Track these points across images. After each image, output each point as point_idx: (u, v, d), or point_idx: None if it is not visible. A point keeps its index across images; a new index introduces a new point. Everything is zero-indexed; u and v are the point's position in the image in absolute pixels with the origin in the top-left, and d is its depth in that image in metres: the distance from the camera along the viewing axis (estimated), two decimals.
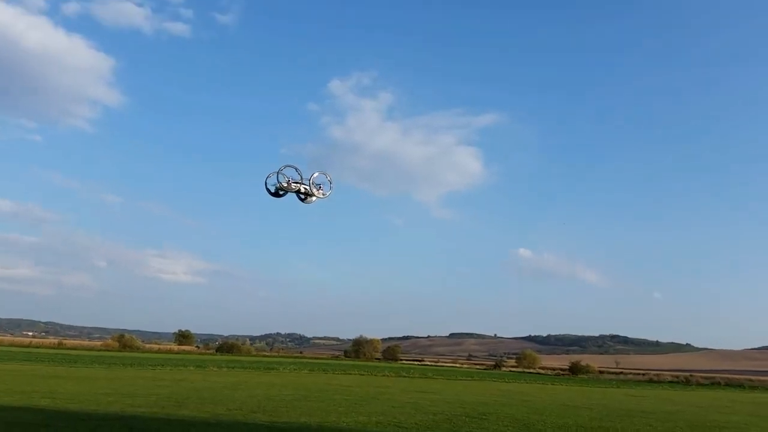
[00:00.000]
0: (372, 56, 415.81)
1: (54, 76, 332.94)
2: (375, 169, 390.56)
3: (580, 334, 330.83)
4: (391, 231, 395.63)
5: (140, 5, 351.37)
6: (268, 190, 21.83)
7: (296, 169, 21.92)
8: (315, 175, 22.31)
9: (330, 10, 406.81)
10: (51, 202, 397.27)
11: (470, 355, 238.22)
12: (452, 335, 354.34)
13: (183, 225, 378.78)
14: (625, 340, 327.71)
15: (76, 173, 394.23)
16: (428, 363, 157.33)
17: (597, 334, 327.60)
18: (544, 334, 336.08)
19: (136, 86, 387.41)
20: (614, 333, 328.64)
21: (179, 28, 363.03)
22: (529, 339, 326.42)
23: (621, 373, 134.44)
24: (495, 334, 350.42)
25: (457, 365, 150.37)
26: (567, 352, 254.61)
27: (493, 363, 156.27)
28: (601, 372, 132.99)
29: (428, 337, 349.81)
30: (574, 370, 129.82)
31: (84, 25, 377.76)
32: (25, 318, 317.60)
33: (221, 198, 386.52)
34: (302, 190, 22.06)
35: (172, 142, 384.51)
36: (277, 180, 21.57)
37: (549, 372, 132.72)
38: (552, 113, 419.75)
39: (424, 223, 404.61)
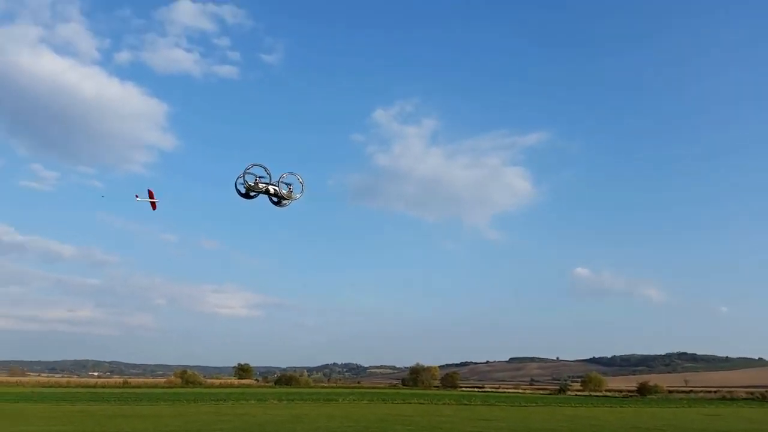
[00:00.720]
0: (413, 84, 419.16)
1: (110, 123, 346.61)
2: (423, 195, 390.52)
3: (645, 353, 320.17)
4: (443, 255, 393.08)
5: (189, 51, 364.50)
6: (238, 190, 21.79)
7: (265, 168, 21.84)
8: (284, 175, 22.19)
9: (369, 43, 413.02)
10: (111, 244, 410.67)
11: (532, 380, 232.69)
12: (512, 360, 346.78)
13: (237, 260, 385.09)
14: (693, 357, 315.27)
15: (134, 216, 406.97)
16: (489, 389, 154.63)
17: (663, 353, 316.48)
18: (609, 355, 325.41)
19: (188, 129, 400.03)
20: (681, 350, 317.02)
21: (227, 70, 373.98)
22: (593, 361, 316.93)
23: (691, 391, 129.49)
24: (557, 357, 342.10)
25: (520, 391, 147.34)
26: (633, 373, 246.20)
27: (557, 387, 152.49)
28: (670, 391, 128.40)
29: (487, 362, 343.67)
30: (642, 390, 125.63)
31: (137, 73, 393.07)
32: (90, 359, 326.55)
33: (272, 232, 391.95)
34: (271, 190, 21.94)
35: (222, 180, 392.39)
36: (245, 180, 21.55)
37: (616, 394, 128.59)
38: (598, 127, 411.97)
39: (476, 246, 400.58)
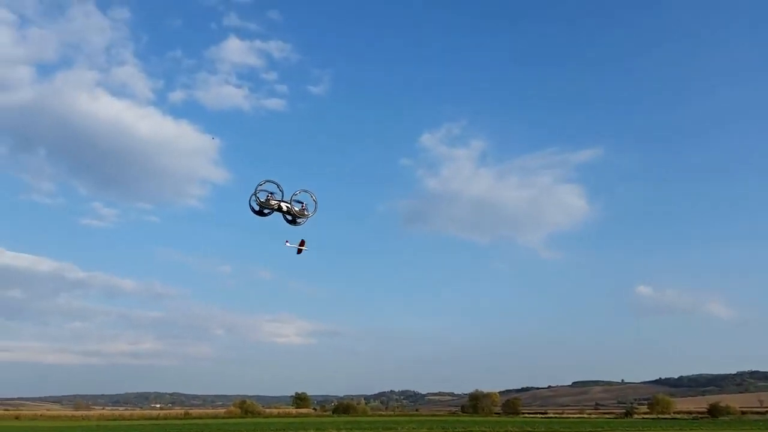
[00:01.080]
0: (460, 106, 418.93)
1: (166, 160, 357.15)
2: (474, 216, 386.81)
3: (715, 372, 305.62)
4: (497, 277, 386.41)
5: (239, 86, 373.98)
6: (252, 208, 21.46)
7: (277, 185, 21.53)
8: (297, 193, 21.79)
9: (413, 69, 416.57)
10: (170, 277, 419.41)
11: (597, 404, 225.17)
12: (575, 383, 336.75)
13: (290, 288, 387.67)
14: (766, 376, 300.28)
15: (191, 248, 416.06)
16: (552, 415, 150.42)
17: (734, 372, 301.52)
18: (676, 376, 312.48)
19: (239, 161, 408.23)
20: (754, 369, 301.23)
21: (275, 103, 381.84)
22: (660, 382, 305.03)
23: (767, 411, 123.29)
24: (622, 380, 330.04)
25: (585, 415, 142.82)
26: (703, 394, 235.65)
27: (624, 411, 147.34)
28: (743, 412, 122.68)
29: (549, 387, 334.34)
30: (714, 412, 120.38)
31: (190, 111, 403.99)
32: (152, 390, 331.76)
33: (324, 260, 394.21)
34: (284, 207, 21.53)
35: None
36: (257, 197, 21.19)
37: (686, 416, 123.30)
38: (652, 139, 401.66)
39: (532, 267, 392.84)
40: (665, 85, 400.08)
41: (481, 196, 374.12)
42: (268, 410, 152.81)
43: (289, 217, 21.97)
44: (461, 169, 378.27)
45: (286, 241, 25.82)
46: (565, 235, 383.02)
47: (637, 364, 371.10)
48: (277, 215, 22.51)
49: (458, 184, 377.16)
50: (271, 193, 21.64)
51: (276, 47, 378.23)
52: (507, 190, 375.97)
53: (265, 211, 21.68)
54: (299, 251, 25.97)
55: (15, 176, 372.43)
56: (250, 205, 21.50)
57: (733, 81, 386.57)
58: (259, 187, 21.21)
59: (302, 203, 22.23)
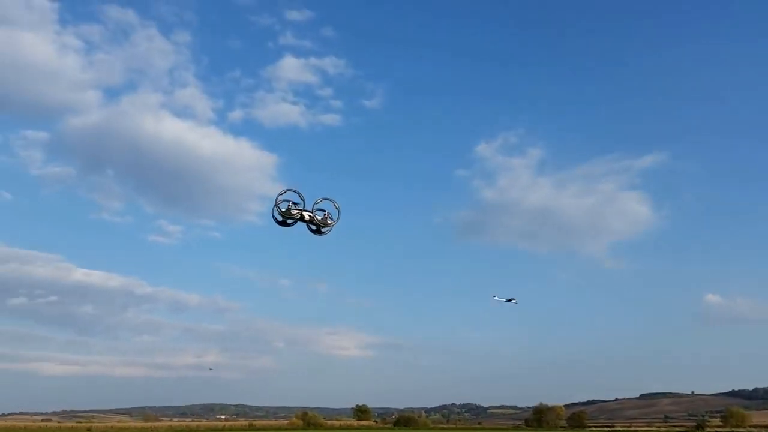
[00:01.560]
0: (516, 115, 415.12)
1: (227, 177, 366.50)
2: (533, 226, 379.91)
3: None
4: (559, 288, 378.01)
5: (295, 104, 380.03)
6: (275, 218, 21.12)
7: (299, 194, 21.15)
8: (319, 201, 21.46)
9: (466, 80, 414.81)
10: (232, 291, 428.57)
11: (666, 417, 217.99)
12: (643, 396, 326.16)
13: (349, 301, 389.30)
14: None
15: (251, 263, 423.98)
16: (620, 428, 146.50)
17: None
18: (750, 388, 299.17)
19: (296, 176, 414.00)
20: None
21: (330, 119, 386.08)
22: (733, 394, 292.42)
23: None
24: (692, 392, 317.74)
25: (653, 429, 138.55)
26: None
27: (694, 424, 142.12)
28: None
29: (616, 399, 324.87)
30: None
31: (248, 129, 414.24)
32: (217, 402, 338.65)
33: (380, 272, 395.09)
34: (306, 217, 21.18)
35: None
36: (278, 207, 20.84)
37: (762, 430, 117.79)
38: (718, 143, 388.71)
39: (594, 277, 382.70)
40: (732, 87, 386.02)
41: (540, 205, 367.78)
42: (329, 422, 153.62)
43: (313, 227, 21.82)
44: (519, 179, 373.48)
45: (494, 295, 25.43)
46: (629, 244, 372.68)
47: (708, 376, 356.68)
48: (301, 225, 22.28)
49: (516, 194, 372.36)
50: (294, 203, 21.47)
51: (330, 63, 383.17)
52: (567, 199, 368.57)
53: (288, 221, 21.57)
54: (511, 300, 25.67)
55: (85, 196, 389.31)
56: (273, 216, 21.40)
57: None
58: (280, 197, 21.08)
59: (325, 212, 22.02)
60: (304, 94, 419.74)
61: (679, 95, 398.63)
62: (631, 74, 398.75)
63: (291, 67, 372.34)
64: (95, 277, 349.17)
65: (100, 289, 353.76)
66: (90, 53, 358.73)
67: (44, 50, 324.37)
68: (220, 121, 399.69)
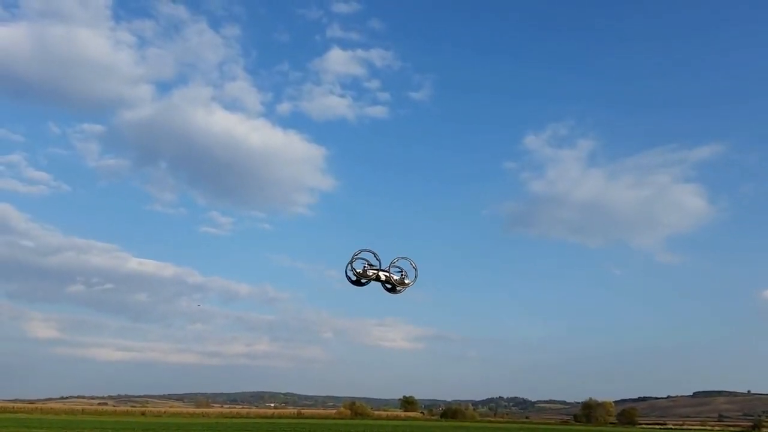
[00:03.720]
0: (566, 105, 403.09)
1: (276, 170, 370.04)
2: (584, 219, 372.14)
3: None
4: (611, 282, 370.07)
5: (342, 96, 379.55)
6: (348, 278, 20.87)
7: (374, 254, 20.86)
8: (395, 261, 21.15)
9: (513, 70, 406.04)
10: (282, 282, 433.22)
11: (721, 416, 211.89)
12: (696, 394, 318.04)
13: (397, 294, 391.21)
14: None
15: (300, 254, 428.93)
16: (672, 426, 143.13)
17: None
18: None
19: (344, 169, 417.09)
20: None
21: (378, 111, 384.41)
22: None
23: None
24: (749, 390, 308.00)
25: (707, 428, 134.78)
26: None
27: (751, 423, 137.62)
28: None
29: (668, 397, 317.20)
30: None
31: (297, 121, 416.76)
32: (266, 390, 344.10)
33: (429, 264, 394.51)
34: (382, 277, 20.90)
35: (378, 215, 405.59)
36: (353, 267, 20.65)
37: None
38: None
39: (648, 271, 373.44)
40: None
41: (591, 197, 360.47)
42: (376, 412, 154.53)
43: (389, 286, 21.67)
44: (569, 170, 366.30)
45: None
46: (685, 238, 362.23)
47: (765, 374, 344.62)
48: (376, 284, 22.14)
49: (566, 186, 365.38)
50: (369, 264, 21.38)
51: (378, 55, 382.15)
52: (619, 191, 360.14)
53: (363, 281, 21.45)
54: None
55: (140, 188, 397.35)
56: (346, 274, 21.32)
57: None
58: (355, 257, 21.00)
59: (402, 270, 21.84)
60: (351, 86, 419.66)
61: (737, 84, 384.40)
62: (686, 60, 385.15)
63: (338, 60, 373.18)
64: (149, 266, 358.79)
65: (153, 277, 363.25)
66: (143, 48, 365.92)
67: (99, 46, 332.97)
68: (269, 113, 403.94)
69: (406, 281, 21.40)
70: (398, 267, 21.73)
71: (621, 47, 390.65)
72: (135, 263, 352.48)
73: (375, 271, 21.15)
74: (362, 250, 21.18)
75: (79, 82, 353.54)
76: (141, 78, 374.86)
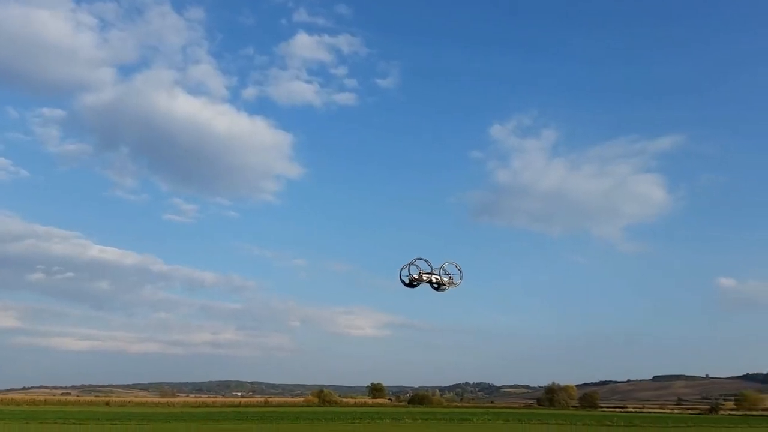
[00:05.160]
0: (530, 96, 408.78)
1: (242, 156, 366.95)
2: (547, 208, 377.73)
3: None
4: (573, 271, 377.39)
5: (309, 82, 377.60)
6: (402, 281, 22.58)
7: (426, 261, 22.85)
8: (445, 264, 23.02)
9: (481, 60, 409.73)
10: (248, 271, 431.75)
11: (679, 400, 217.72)
12: (656, 378, 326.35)
13: (364, 281, 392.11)
14: None
15: (267, 243, 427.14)
16: (632, 410, 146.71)
17: None
18: (765, 371, 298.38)
19: (312, 156, 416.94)
20: None
21: (345, 98, 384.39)
22: (747, 378, 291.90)
23: None
24: (706, 375, 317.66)
25: (666, 411, 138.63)
26: None
27: (708, 407, 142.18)
28: None
29: (628, 381, 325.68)
30: None
31: (263, 107, 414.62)
32: (233, 379, 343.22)
33: (396, 251, 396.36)
34: (433, 280, 22.72)
35: (346, 203, 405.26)
36: (409, 272, 22.39)
37: None
38: (735, 126, 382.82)
39: (609, 260, 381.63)
40: (750, 71, 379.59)
41: (553, 187, 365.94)
42: (344, 399, 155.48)
43: (436, 285, 23.47)
44: (533, 161, 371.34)
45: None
46: (644, 227, 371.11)
47: (722, 359, 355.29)
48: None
49: (530, 176, 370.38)
50: (422, 271, 23.18)
51: (345, 41, 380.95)
52: (581, 181, 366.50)
53: (414, 283, 23.24)
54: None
55: (101, 174, 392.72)
56: (400, 278, 23.13)
57: None
58: (412, 264, 22.80)
59: (449, 274, 23.70)
60: (318, 72, 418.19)
61: (697, 77, 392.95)
62: (646, 54, 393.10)
63: (304, 45, 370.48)
64: (111, 254, 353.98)
65: (116, 265, 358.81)
66: (104, 30, 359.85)
67: (59, 28, 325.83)
68: (234, 98, 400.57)
69: (456, 281, 23.35)
70: (447, 271, 23.60)
71: (581, 40, 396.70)
72: (96, 251, 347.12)
73: (428, 275, 22.92)
74: (417, 258, 23.08)
75: (38, 65, 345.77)
76: (102, 61, 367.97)
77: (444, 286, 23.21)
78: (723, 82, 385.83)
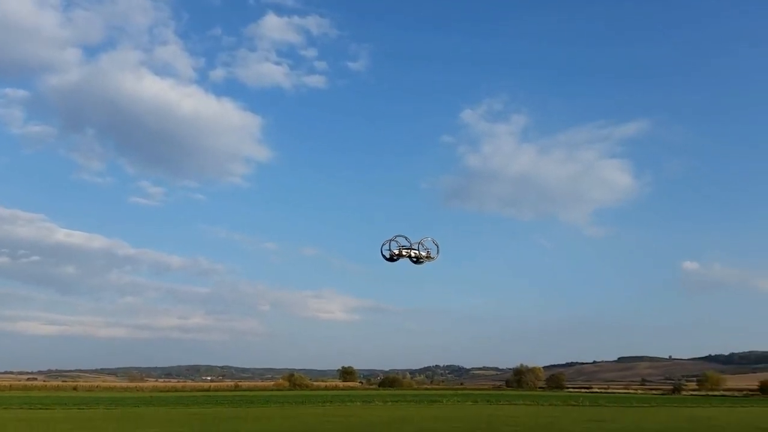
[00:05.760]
0: (500, 80, 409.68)
1: (210, 138, 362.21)
2: (516, 193, 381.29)
3: (767, 349, 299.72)
4: (541, 254, 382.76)
5: (278, 64, 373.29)
6: (383, 255, 23.45)
7: (406, 238, 23.78)
8: (424, 240, 24.03)
9: (452, 43, 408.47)
10: (217, 254, 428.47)
11: (643, 380, 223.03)
12: (621, 359, 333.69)
13: (335, 265, 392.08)
14: None
15: (236, 226, 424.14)
16: (597, 390, 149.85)
17: None
18: (726, 353, 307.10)
19: (281, 139, 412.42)
20: None
21: (315, 80, 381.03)
22: (709, 359, 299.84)
23: None
24: (670, 356, 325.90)
25: (631, 391, 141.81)
26: (754, 371, 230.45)
27: (671, 387, 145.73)
28: None
29: (594, 362, 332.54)
30: (766, 389, 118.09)
31: (231, 89, 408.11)
32: (202, 364, 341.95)
33: (367, 236, 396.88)
34: (413, 255, 23.61)
35: (316, 187, 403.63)
36: (390, 248, 23.23)
37: (736, 394, 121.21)
38: (701, 112, 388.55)
39: (576, 244, 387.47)
40: (718, 57, 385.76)
41: (523, 172, 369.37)
42: (315, 383, 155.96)
43: (415, 259, 24.55)
44: (503, 145, 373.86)
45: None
46: (610, 211, 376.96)
47: (685, 341, 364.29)
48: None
49: (500, 161, 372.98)
50: (402, 246, 24.18)
51: (314, 23, 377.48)
52: (549, 166, 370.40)
53: (395, 258, 24.26)
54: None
55: (66, 156, 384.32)
56: (381, 252, 24.21)
57: None
58: (392, 240, 23.84)
59: (428, 249, 24.83)
60: (287, 54, 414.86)
61: (665, 63, 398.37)
62: (615, 39, 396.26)
63: (273, 26, 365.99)
64: (77, 237, 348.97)
65: (82, 249, 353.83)
66: (69, 10, 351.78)
67: (22, 6, 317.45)
68: (202, 80, 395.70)
69: (432, 256, 24.51)
70: (426, 246, 24.68)
71: (551, 24, 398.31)
72: (62, 234, 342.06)
73: (408, 251, 23.91)
74: (398, 236, 24.02)
75: (0, 45, 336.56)
76: (67, 41, 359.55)
77: (422, 260, 24.19)
78: (690, 68, 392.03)
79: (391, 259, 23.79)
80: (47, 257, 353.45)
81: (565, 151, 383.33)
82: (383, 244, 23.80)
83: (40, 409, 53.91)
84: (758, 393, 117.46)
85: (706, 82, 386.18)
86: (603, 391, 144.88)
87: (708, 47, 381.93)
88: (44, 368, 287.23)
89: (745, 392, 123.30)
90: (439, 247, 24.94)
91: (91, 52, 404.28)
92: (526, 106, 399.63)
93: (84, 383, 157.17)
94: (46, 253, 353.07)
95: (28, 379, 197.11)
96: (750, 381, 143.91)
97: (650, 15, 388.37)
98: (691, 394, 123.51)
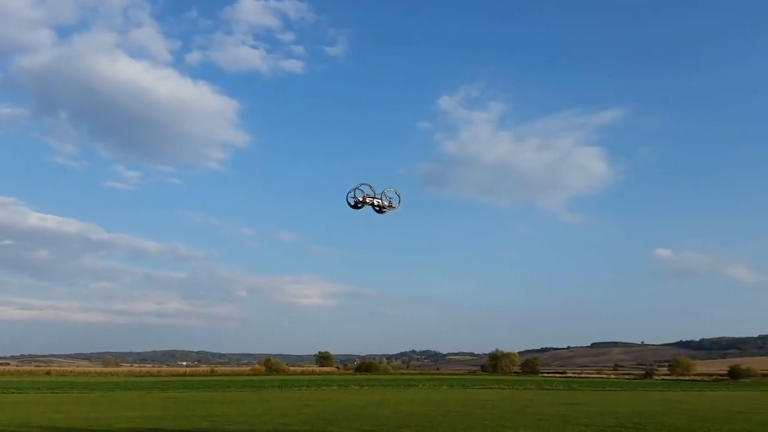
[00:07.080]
0: (477, 68, 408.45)
1: (186, 122, 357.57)
2: (493, 180, 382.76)
3: (736, 335, 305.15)
4: (518, 241, 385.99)
5: (255, 47, 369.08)
6: (348, 202, 24.42)
7: (370, 186, 24.61)
8: (386, 191, 24.91)
9: (430, 29, 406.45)
10: (193, 239, 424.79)
11: (616, 365, 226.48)
12: (595, 345, 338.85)
13: (312, 251, 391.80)
14: None
15: (213, 211, 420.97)
16: (571, 375, 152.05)
17: (756, 335, 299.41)
18: (697, 339, 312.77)
19: (259, 123, 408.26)
20: None
21: (293, 65, 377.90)
22: (681, 345, 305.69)
23: None
24: (642, 342, 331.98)
25: (604, 376, 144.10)
26: (724, 356, 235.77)
27: (643, 372, 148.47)
28: (765, 375, 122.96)
29: (568, 348, 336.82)
30: (735, 374, 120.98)
31: (207, 72, 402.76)
32: (178, 349, 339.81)
33: (344, 222, 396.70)
34: (375, 203, 24.57)
35: (293, 173, 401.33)
36: (354, 195, 24.11)
37: (706, 378, 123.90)
38: (676, 101, 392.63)
39: (552, 231, 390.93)
40: (693, 47, 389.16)
41: (499, 159, 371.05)
42: (292, 368, 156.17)
43: (378, 208, 25.33)
44: (480, 133, 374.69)
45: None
46: (586, 199, 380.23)
47: (657, 327, 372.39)
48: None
49: (477, 148, 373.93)
50: (366, 194, 24.96)
51: (291, 7, 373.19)
52: (526, 153, 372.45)
53: (359, 205, 25.09)
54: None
55: (39, 139, 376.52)
56: (347, 200, 24.97)
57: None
58: (357, 188, 24.59)
59: (390, 199, 25.68)
60: (264, 38, 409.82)
61: (640, 52, 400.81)
62: (591, 28, 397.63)
63: (250, 9, 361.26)
64: (51, 221, 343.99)
65: (56, 234, 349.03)
66: None
67: None
68: (178, 63, 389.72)
69: (394, 206, 25.47)
70: (388, 195, 25.67)
71: (528, 12, 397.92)
72: (36, 218, 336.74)
73: (371, 199, 24.82)
74: (362, 184, 25.01)
75: None
76: (39, 22, 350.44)
77: (384, 209, 25.36)
78: (666, 57, 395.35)
79: (356, 206, 24.83)
80: (20, 241, 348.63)
81: (542, 139, 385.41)
82: (348, 192, 24.78)
83: (14, 393, 53.35)
84: (728, 378, 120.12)
85: (681, 71, 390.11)
86: (577, 375, 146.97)
87: (683, 37, 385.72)
88: (17, 353, 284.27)
89: (714, 377, 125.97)
90: (401, 197, 25.89)
91: (64, 33, 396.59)
92: (504, 93, 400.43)
93: (57, 368, 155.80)
94: (20, 237, 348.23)
95: (1, 364, 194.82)
96: (720, 366, 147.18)
97: (628, 3, 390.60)
98: (663, 379, 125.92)
